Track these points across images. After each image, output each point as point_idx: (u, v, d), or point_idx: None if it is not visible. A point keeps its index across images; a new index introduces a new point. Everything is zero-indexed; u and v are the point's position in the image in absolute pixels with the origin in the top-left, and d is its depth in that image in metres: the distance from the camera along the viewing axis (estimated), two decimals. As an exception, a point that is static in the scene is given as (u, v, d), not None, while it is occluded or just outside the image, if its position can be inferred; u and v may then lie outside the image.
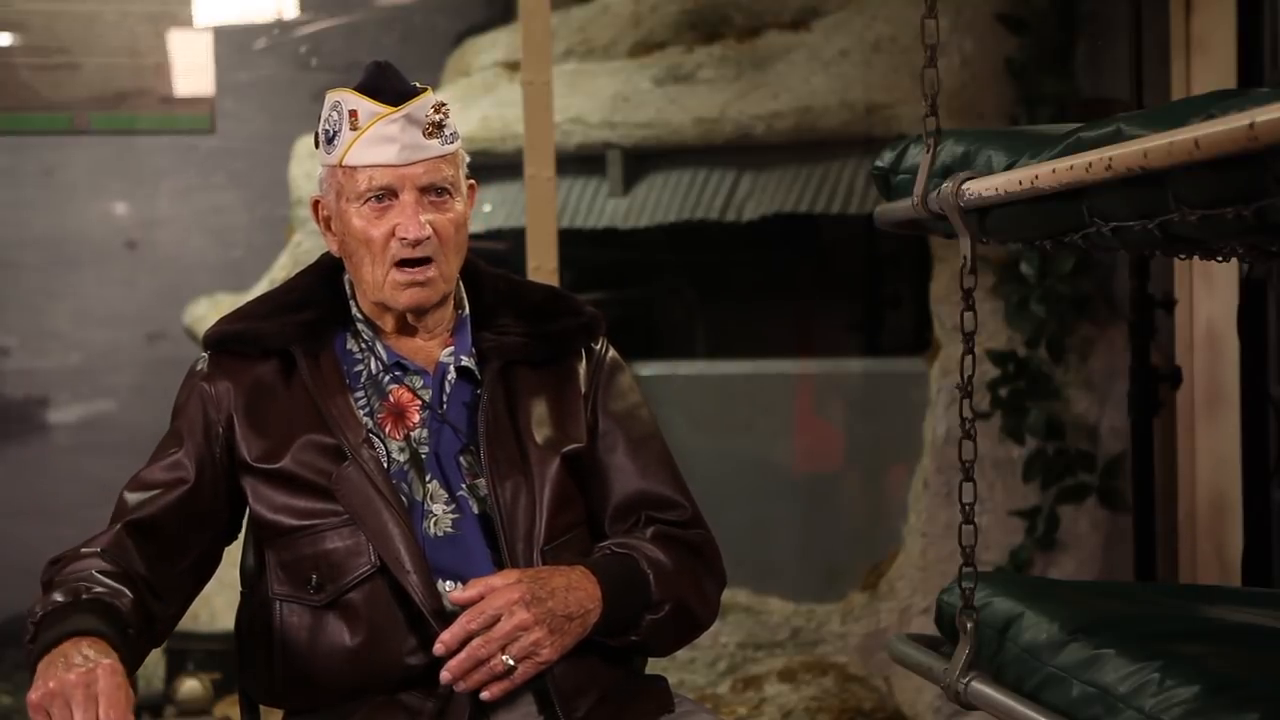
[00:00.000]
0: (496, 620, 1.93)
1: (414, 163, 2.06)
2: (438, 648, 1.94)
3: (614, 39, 5.02)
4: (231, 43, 5.23)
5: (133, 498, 2.05)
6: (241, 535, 2.17)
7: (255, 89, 5.38)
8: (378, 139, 2.05)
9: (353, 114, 2.06)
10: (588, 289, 4.71)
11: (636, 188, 4.85)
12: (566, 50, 4.98)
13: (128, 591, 1.93)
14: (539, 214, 3.66)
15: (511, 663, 1.94)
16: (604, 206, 4.86)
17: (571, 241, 4.32)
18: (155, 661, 4.64)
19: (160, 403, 2.19)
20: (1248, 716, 1.62)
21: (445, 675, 1.93)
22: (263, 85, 5.40)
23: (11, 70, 4.69)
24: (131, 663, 1.84)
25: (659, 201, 4.81)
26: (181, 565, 2.05)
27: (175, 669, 4.54)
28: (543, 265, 3.62)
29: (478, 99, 4.98)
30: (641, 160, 4.84)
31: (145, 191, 5.48)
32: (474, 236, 2.21)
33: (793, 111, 4.61)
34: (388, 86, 2.07)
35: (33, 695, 1.75)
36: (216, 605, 4.60)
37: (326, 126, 2.10)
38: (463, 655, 1.93)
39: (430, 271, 2.07)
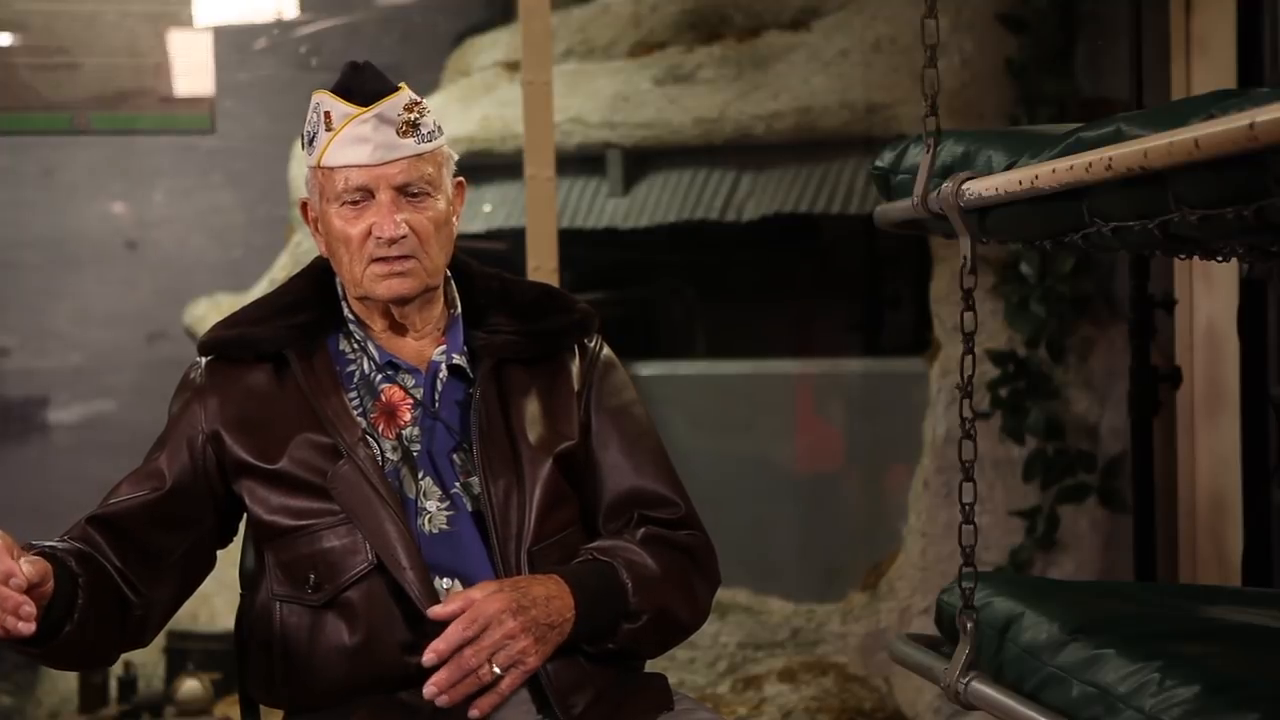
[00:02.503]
0: (485, 629, 1.93)
1: (388, 162, 2.06)
2: (428, 657, 1.92)
3: (614, 39, 5.02)
4: (231, 43, 5.22)
5: (107, 499, 2.08)
6: (240, 537, 2.18)
7: (255, 89, 5.37)
8: (351, 140, 2.05)
9: (327, 115, 2.07)
10: (588, 289, 4.71)
11: (636, 188, 4.85)
12: (566, 50, 4.98)
13: (84, 549, 1.97)
14: (539, 214, 3.66)
15: (499, 671, 1.93)
16: (604, 206, 4.86)
17: (571, 241, 4.33)
18: (155, 661, 4.64)
19: (160, 403, 2.19)
20: (1248, 716, 1.62)
21: (430, 689, 1.92)
22: (263, 85, 5.40)
23: (11, 70, 4.69)
24: (66, 592, 1.88)
25: (659, 201, 4.81)
26: (157, 564, 2.05)
27: (175, 669, 4.54)
28: (543, 265, 3.62)
29: (478, 99, 4.98)
30: (641, 160, 4.84)
31: (145, 191, 5.47)
32: (474, 236, 2.23)
33: (793, 111, 4.61)
34: (359, 87, 2.08)
35: None
36: (216, 605, 4.60)
37: (308, 128, 2.11)
38: (451, 666, 1.92)
39: (409, 262, 2.07)
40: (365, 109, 2.05)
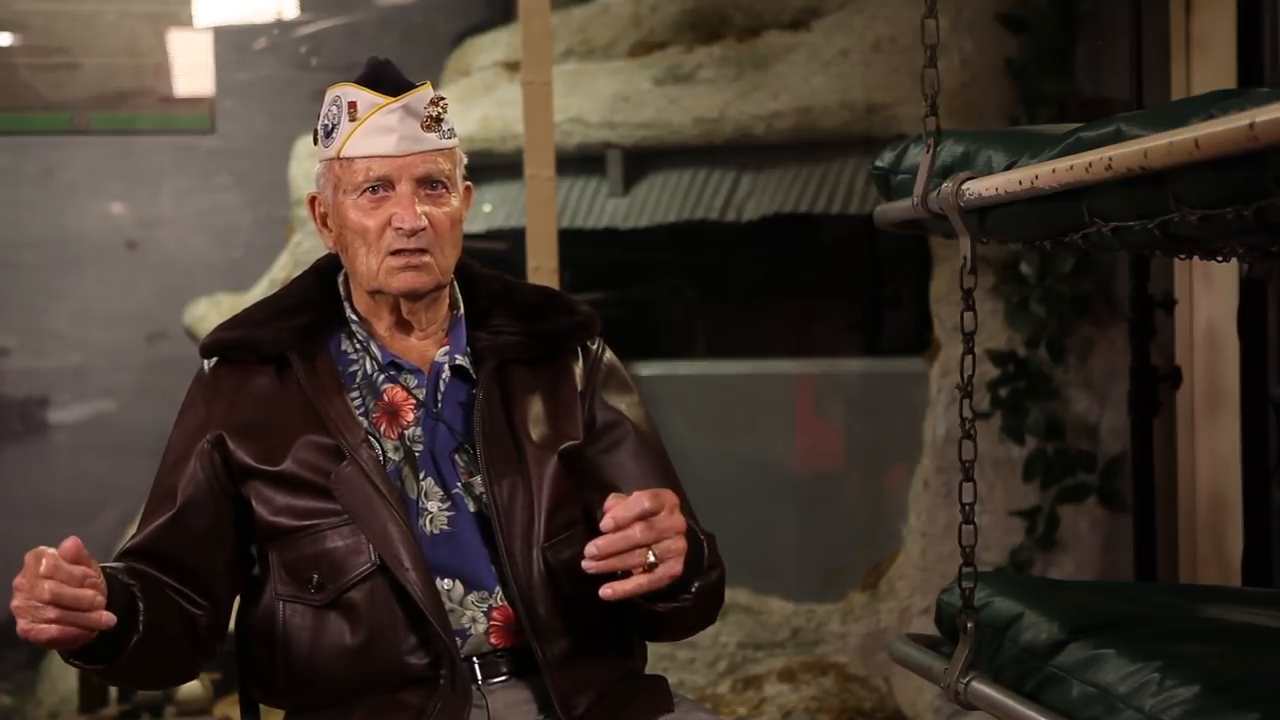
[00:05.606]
0: (662, 511, 1.87)
1: (412, 154, 2.07)
2: (607, 522, 1.84)
3: (614, 39, 5.02)
4: (231, 43, 5.22)
5: (134, 534, 2.09)
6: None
7: (255, 89, 5.38)
8: (376, 129, 2.06)
9: (352, 105, 2.07)
10: (588, 289, 4.71)
11: (636, 188, 4.85)
12: (566, 50, 4.98)
13: (131, 566, 1.99)
14: (539, 214, 3.66)
15: (653, 559, 1.86)
16: (604, 206, 4.86)
17: (571, 241, 4.32)
18: (155, 661, 4.63)
19: (160, 403, 2.19)
20: (1248, 716, 1.62)
21: (592, 550, 1.84)
22: (263, 85, 5.40)
23: (11, 70, 4.69)
24: (123, 603, 1.89)
25: (659, 201, 4.81)
26: (206, 577, 2.06)
27: (175, 669, 4.53)
28: (543, 265, 3.62)
29: (478, 99, 4.98)
30: (641, 160, 4.84)
31: (145, 191, 5.47)
32: (474, 236, 2.22)
33: (793, 111, 4.61)
34: (388, 79, 2.09)
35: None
36: (216, 605, 4.59)
37: (325, 121, 2.11)
38: (618, 536, 1.85)
39: (425, 257, 2.07)
40: (394, 99, 2.06)
